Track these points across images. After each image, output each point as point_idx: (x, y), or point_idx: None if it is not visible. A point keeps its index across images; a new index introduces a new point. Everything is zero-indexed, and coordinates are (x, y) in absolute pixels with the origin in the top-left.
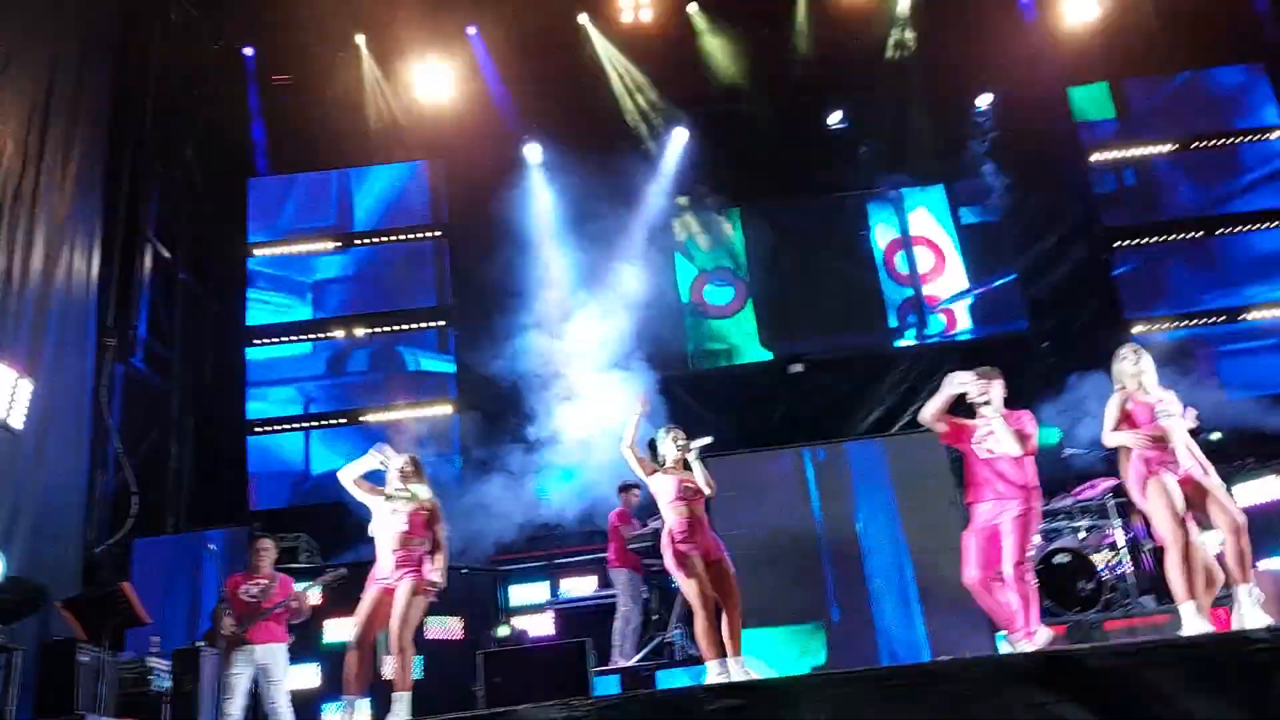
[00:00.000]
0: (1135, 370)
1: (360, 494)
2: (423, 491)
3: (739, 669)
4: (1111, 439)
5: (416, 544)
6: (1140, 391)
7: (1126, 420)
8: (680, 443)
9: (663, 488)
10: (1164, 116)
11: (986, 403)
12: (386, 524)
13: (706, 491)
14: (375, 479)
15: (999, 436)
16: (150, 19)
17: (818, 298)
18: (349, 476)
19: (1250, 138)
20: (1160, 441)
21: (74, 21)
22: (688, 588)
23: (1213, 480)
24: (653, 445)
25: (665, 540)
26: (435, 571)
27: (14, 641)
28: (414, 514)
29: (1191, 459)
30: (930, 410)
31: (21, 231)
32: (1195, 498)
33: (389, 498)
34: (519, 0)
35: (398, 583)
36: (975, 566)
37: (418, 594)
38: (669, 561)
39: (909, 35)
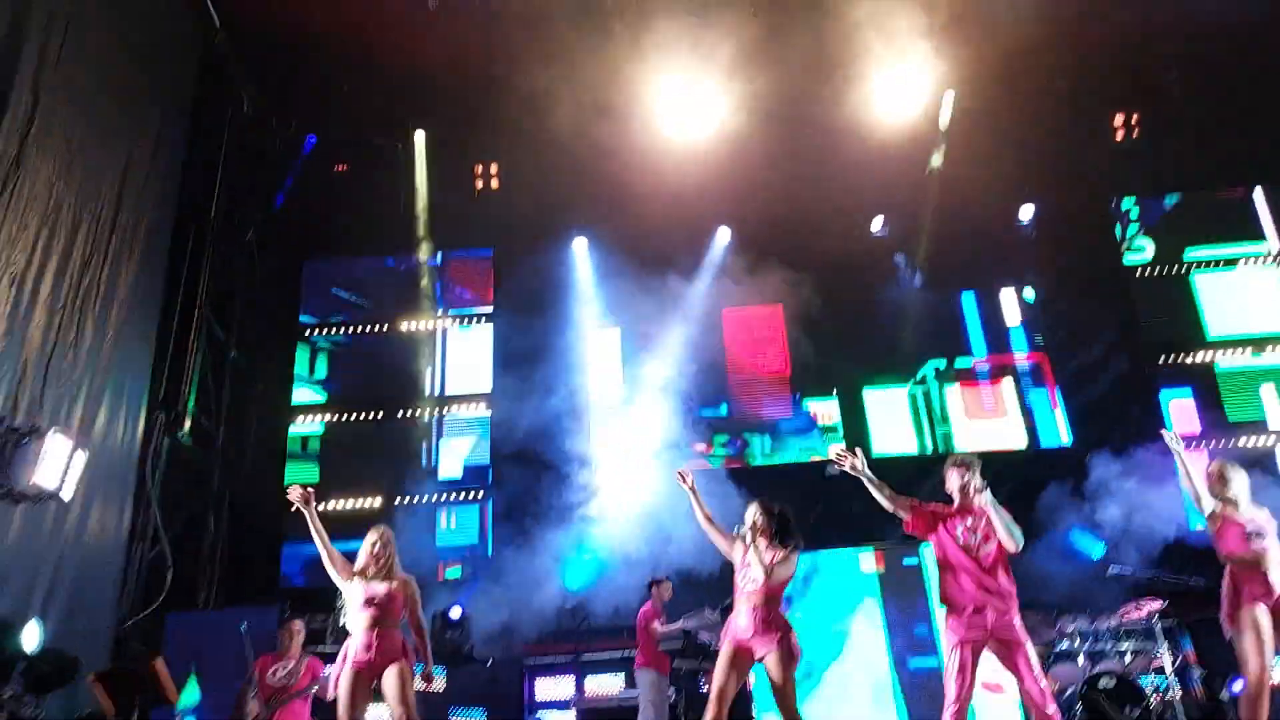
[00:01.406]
0: (1226, 488)
1: (333, 570)
2: (395, 570)
3: None
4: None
5: (392, 624)
6: (1230, 509)
7: (1219, 539)
8: (753, 523)
9: (738, 565)
10: (1206, 232)
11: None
12: (360, 604)
13: (759, 579)
14: (352, 556)
15: (1001, 527)
16: (222, 106)
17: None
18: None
19: None
20: (1253, 566)
21: (150, 106)
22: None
23: None
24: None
25: None
26: (428, 665)
27: (43, 713)
28: (388, 593)
29: None
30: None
31: (88, 306)
32: None
33: (364, 577)
34: (576, 102)
35: (380, 666)
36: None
37: (406, 678)
38: None
39: (950, 146)
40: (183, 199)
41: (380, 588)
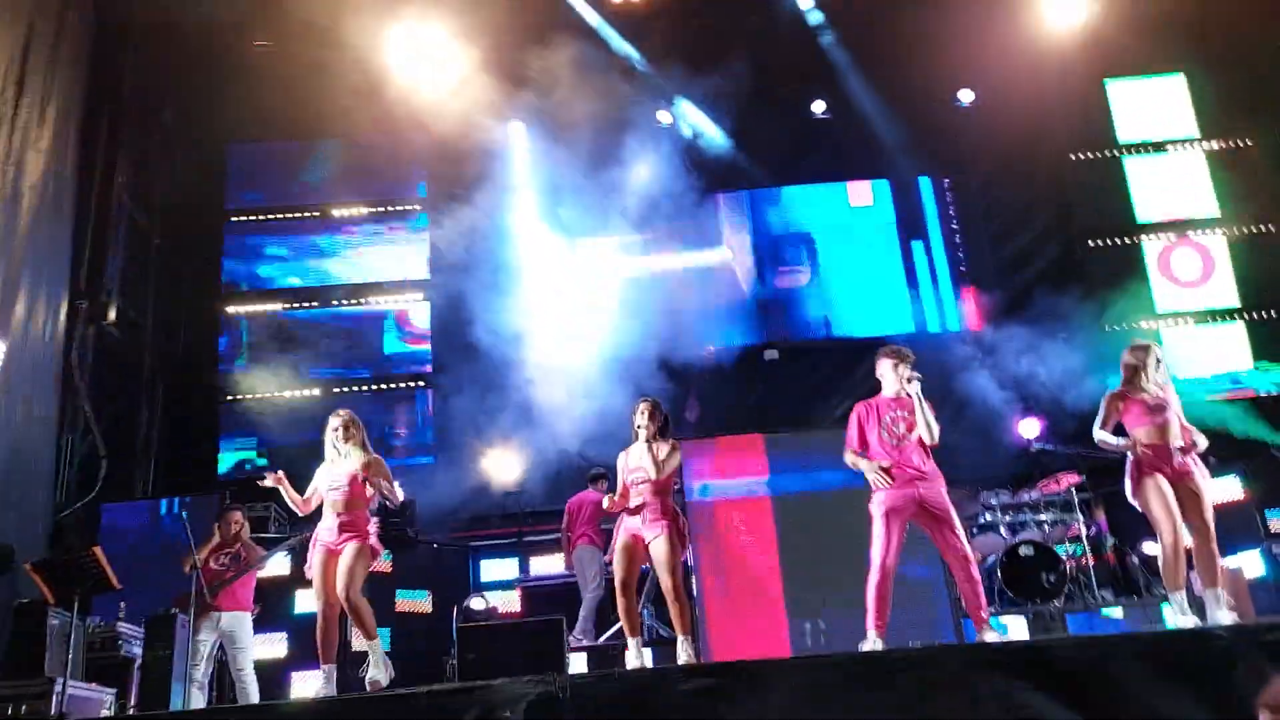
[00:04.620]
0: (1141, 363)
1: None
2: (358, 453)
3: (684, 650)
4: (1099, 437)
5: (358, 507)
6: (1136, 389)
7: (1123, 416)
8: (645, 422)
9: (620, 467)
10: (1139, 118)
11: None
12: (326, 489)
13: (651, 474)
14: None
15: (922, 420)
16: None
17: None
18: None
19: None
20: (1156, 439)
21: None
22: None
23: (1198, 482)
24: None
25: None
26: (394, 491)
27: None
28: (351, 477)
29: (1183, 452)
30: None
31: None
32: (1180, 493)
33: (328, 464)
34: None
35: (341, 547)
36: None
37: (362, 556)
38: None
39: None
40: (93, 79)
41: (342, 473)
